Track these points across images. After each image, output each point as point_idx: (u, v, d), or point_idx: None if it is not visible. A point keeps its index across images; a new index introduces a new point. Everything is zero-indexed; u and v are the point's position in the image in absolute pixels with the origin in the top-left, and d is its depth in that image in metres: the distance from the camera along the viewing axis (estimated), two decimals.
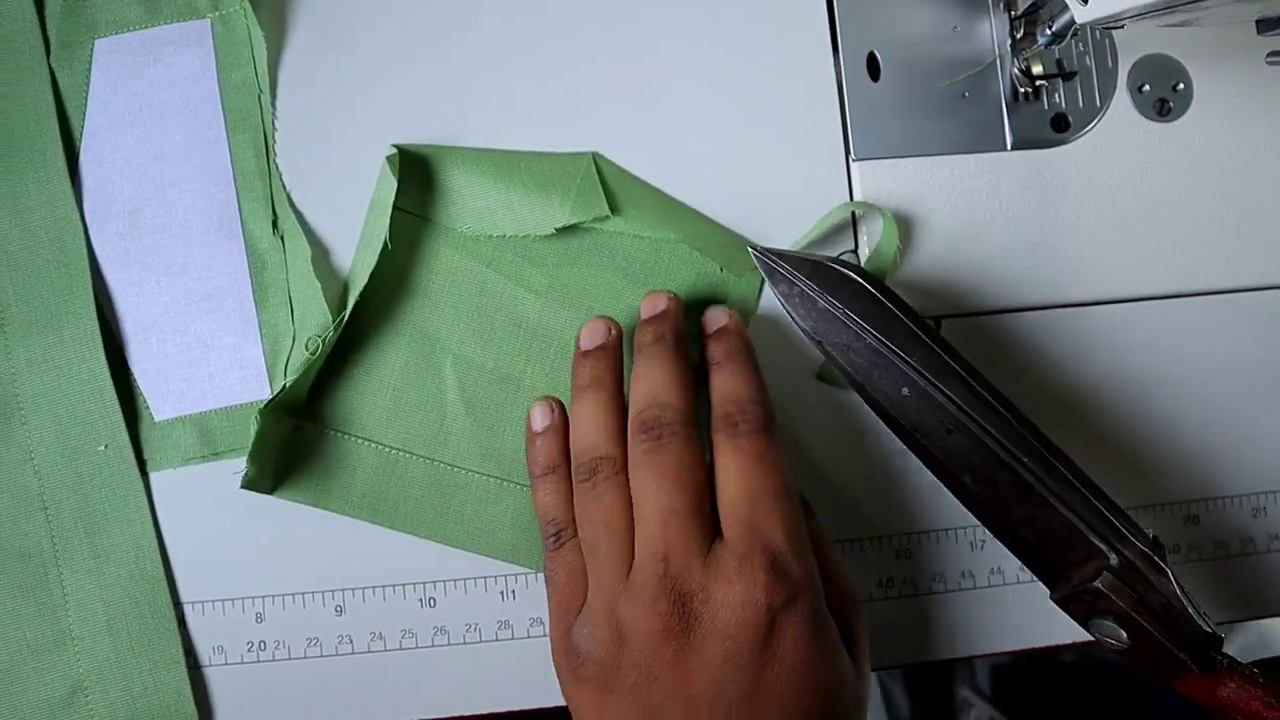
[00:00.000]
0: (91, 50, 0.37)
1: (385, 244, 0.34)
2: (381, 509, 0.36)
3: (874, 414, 0.33)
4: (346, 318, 0.35)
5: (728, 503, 0.30)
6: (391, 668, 0.36)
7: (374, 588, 0.36)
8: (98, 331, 0.35)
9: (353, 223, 0.36)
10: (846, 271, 0.33)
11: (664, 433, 0.31)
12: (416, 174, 0.36)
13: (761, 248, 0.35)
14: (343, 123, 0.37)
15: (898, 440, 0.35)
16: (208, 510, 0.36)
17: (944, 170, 0.38)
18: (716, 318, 0.35)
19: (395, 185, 0.35)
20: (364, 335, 0.36)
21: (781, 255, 0.34)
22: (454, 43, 0.37)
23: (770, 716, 0.29)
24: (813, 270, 0.33)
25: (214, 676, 0.35)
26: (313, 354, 0.34)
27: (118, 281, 0.36)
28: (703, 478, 0.31)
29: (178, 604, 0.35)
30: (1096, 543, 0.29)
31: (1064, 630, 0.38)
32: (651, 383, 0.32)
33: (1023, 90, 0.39)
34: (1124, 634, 0.28)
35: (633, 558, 0.31)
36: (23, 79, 0.36)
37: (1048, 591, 0.32)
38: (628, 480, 0.31)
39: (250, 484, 0.34)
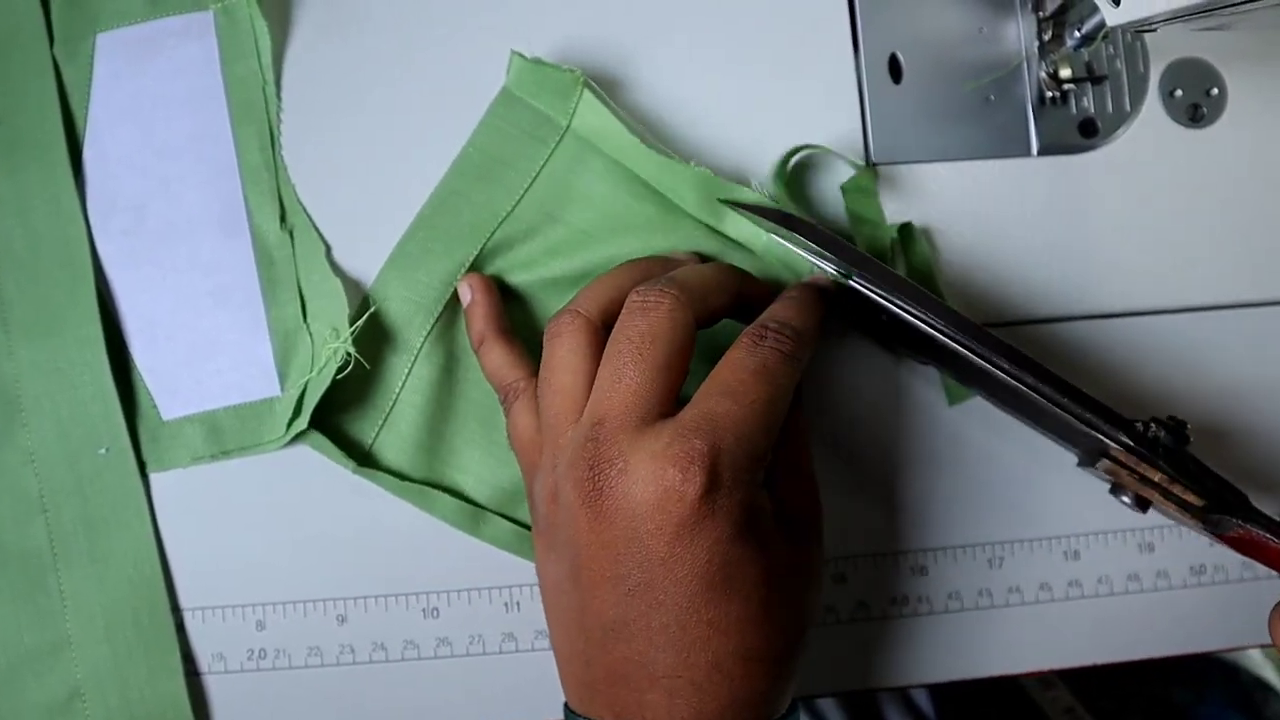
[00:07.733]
0: (93, 45, 0.36)
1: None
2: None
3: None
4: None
5: (703, 387, 0.29)
6: (394, 679, 0.35)
7: (377, 597, 0.35)
8: (101, 334, 0.35)
9: (360, 216, 0.36)
10: (810, 222, 0.34)
11: (649, 299, 0.29)
12: None
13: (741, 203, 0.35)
14: (350, 115, 0.36)
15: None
16: (209, 515, 0.35)
17: (967, 176, 0.38)
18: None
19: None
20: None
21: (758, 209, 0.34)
22: (463, 31, 0.37)
23: (677, 607, 0.27)
24: (785, 221, 0.34)
25: (213, 684, 0.35)
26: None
27: (123, 278, 0.36)
28: (673, 353, 0.29)
29: (177, 610, 0.35)
30: (1095, 435, 0.31)
31: (1086, 651, 0.37)
32: (669, 267, 0.32)
33: (1050, 94, 0.38)
34: (1138, 507, 0.32)
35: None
36: (28, 75, 0.36)
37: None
38: (595, 342, 0.30)
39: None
